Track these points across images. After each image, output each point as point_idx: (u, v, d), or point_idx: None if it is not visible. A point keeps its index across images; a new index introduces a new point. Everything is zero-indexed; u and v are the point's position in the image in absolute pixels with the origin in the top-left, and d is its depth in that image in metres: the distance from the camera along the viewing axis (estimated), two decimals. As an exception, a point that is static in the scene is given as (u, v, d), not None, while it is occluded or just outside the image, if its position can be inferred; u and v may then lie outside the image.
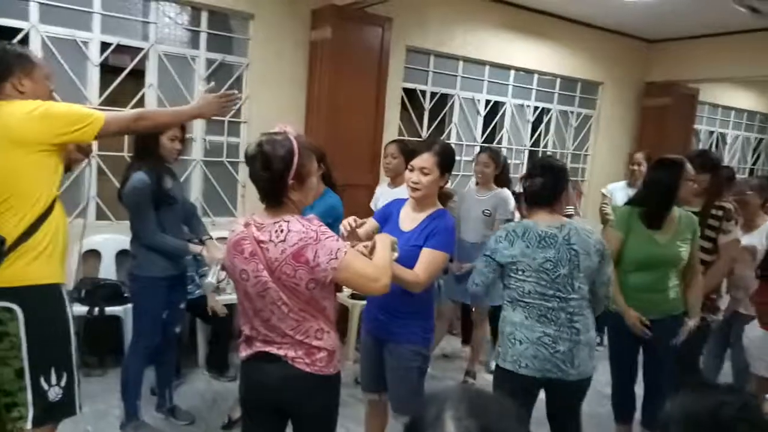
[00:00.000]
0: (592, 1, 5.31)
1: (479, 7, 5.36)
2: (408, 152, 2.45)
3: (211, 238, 3.02)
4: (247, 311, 1.84)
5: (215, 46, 4.28)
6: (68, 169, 2.21)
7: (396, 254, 1.99)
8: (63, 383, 2.08)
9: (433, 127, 5.47)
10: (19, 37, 3.54)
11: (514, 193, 4.08)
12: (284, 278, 1.71)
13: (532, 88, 6.07)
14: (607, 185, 4.81)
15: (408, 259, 2.14)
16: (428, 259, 2.18)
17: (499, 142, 5.95)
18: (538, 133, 6.25)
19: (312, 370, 1.79)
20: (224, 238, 2.85)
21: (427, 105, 5.34)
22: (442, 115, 5.55)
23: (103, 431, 3.07)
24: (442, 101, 5.50)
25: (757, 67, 5.98)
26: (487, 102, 5.77)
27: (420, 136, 5.36)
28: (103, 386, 3.50)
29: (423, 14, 5.04)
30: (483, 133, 5.79)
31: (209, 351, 3.90)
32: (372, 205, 4.03)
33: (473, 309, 4.15)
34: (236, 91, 2.40)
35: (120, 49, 3.96)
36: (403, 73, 5.07)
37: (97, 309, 3.52)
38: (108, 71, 3.97)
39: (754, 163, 8.88)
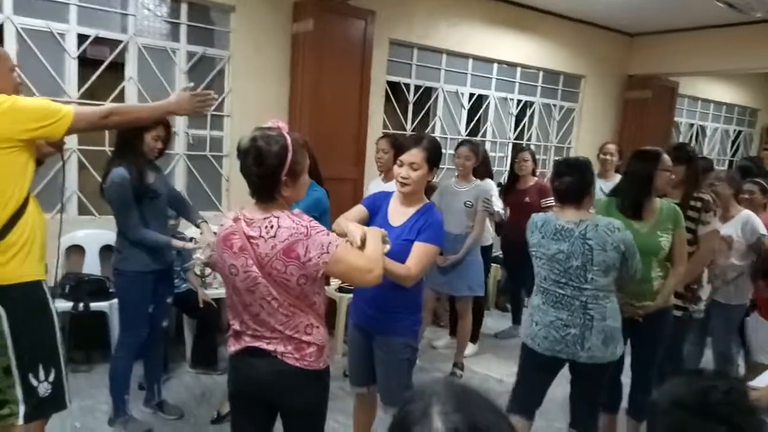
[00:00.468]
0: (575, -6, 5.36)
1: (462, 0, 5.37)
2: (398, 146, 2.44)
3: (205, 221, 2.98)
4: (236, 306, 1.83)
5: (196, 39, 4.22)
6: (40, 163, 2.16)
7: (388, 247, 1.99)
8: (51, 378, 2.08)
9: (417, 120, 5.47)
10: (-6, 28, 3.46)
11: (499, 184, 4.11)
12: (274, 274, 1.70)
13: (515, 82, 6.11)
14: None
15: (399, 254, 2.13)
16: (420, 252, 2.18)
17: (483, 135, 5.97)
18: (521, 126, 6.29)
19: (301, 365, 1.78)
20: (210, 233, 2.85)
21: (412, 98, 5.34)
22: (426, 108, 5.56)
23: (90, 427, 3.04)
24: (426, 94, 5.51)
25: (735, 60, 6.08)
26: (471, 95, 5.79)
27: (405, 130, 5.36)
28: (90, 382, 3.47)
29: (406, 7, 5.03)
30: (467, 126, 5.81)
31: (195, 346, 3.87)
32: None
33: (457, 300, 4.17)
34: (213, 92, 2.38)
35: (99, 40, 3.88)
36: (387, 66, 5.06)
37: (81, 305, 3.48)
38: (87, 64, 3.89)
39: (733, 155, 9.03)
